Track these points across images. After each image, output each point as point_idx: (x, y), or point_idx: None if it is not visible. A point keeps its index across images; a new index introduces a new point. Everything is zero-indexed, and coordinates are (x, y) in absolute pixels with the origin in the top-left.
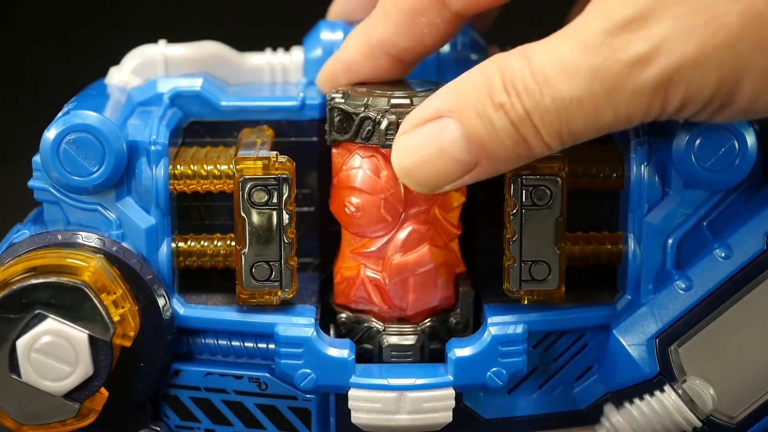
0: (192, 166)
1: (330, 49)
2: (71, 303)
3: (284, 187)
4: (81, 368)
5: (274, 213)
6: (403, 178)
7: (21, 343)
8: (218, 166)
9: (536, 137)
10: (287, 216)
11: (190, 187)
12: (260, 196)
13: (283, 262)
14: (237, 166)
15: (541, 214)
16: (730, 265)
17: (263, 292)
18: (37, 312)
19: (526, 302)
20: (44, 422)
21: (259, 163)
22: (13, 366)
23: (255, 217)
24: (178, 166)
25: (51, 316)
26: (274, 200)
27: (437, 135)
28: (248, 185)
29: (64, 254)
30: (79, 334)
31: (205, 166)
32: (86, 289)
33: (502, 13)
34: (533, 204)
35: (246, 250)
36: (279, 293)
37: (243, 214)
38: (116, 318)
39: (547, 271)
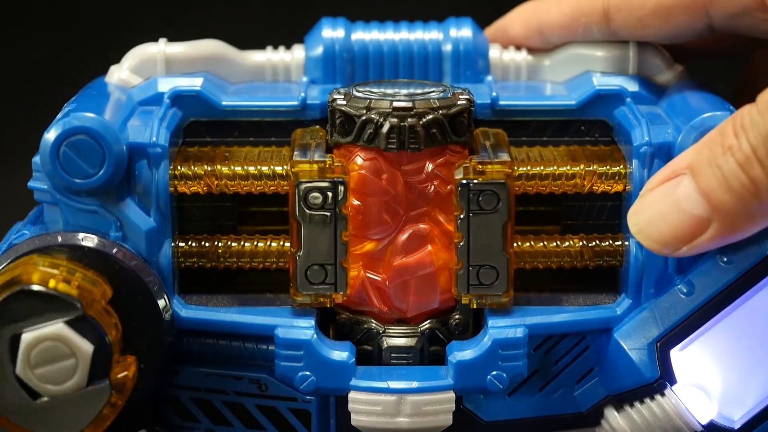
0: (192, 167)
1: (332, 46)
2: (28, 307)
3: (339, 190)
4: (80, 352)
5: (329, 216)
6: (637, 235)
7: (20, 370)
8: (233, 167)
9: (763, 174)
10: (343, 219)
11: (191, 188)
12: (315, 199)
13: (338, 265)
14: (293, 170)
15: (489, 219)
16: (732, 270)
17: (318, 294)
18: (12, 335)
19: (474, 306)
20: (95, 413)
21: (315, 167)
22: (32, 393)
23: (310, 220)
24: (179, 167)
25: (23, 330)
26: (330, 203)
27: (672, 190)
28: (303, 188)
29: (9, 268)
30: (56, 327)
31: (205, 166)
32: (30, 288)
33: (507, 12)
34: (480, 209)
35: (300, 252)
36: (333, 295)
37: (298, 217)
38: (74, 292)
39: (495, 276)
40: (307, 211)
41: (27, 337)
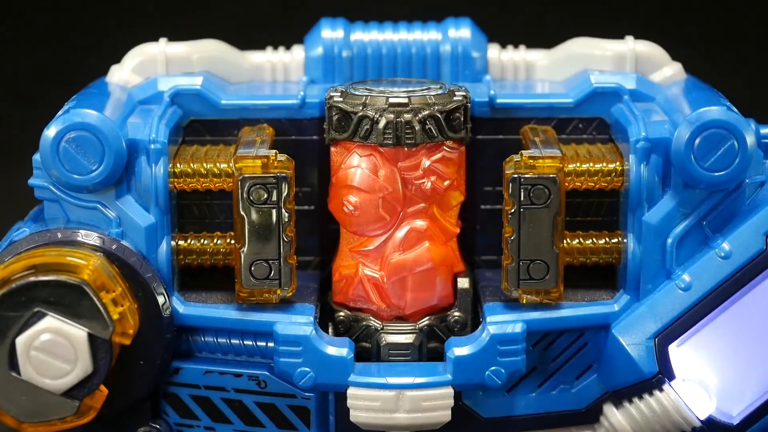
0: (192, 165)
1: (331, 47)
2: (71, 301)
3: (283, 186)
4: (80, 366)
5: (273, 211)
6: None
7: (20, 340)
8: (218, 164)
9: None
10: (286, 214)
11: (190, 185)
12: (259, 195)
13: (282, 261)
14: (236, 165)
15: (540, 214)
16: (730, 265)
17: (262, 290)
18: (36, 310)
19: (524, 301)
20: (44, 420)
21: (258, 162)
22: (13, 364)
23: (254, 216)
24: (178, 165)
25: (50, 314)
26: (273, 199)
27: None
28: (247, 184)
29: (64, 252)
30: (78, 332)
31: (204, 164)
32: (85, 287)
33: (505, 12)
34: (531, 203)
35: (245, 248)
36: (278, 292)
37: (242, 213)
38: (115, 316)
39: (546, 271)
40: (251, 206)
41: (51, 321)
